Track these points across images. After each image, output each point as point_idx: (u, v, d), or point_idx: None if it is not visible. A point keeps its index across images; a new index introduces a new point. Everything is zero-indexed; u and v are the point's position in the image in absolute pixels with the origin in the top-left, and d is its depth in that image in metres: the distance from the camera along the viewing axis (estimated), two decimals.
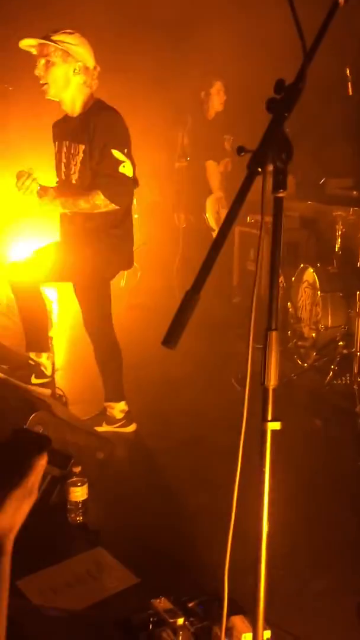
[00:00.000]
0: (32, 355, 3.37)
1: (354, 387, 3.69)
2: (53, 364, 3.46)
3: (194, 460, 3.15)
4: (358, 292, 3.83)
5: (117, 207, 3.05)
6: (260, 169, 1.28)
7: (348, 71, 4.25)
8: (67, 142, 3.14)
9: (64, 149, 3.16)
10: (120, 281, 6.07)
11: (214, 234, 5.24)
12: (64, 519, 2.54)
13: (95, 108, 3.10)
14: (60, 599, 2.13)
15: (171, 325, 1.24)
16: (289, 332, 4.67)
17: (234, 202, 1.30)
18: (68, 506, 2.53)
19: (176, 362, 4.02)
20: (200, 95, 5.02)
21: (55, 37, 2.98)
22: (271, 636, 1.80)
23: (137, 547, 2.45)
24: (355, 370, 3.79)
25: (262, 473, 1.45)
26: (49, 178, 3.27)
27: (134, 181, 3.08)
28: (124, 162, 3.01)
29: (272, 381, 1.43)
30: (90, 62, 3.06)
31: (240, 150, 1.34)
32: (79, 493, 2.52)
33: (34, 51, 3.04)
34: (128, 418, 3.39)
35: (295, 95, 1.30)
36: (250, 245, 5.83)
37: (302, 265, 4.61)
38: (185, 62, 5.33)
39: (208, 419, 3.56)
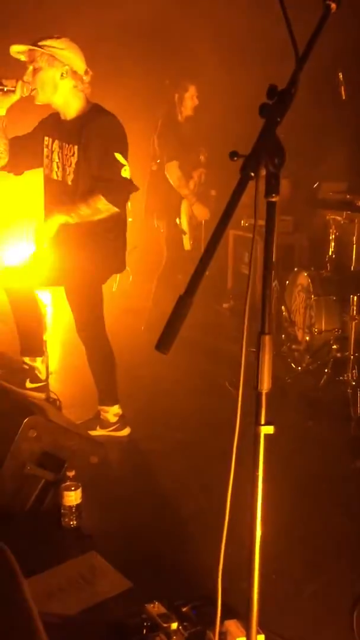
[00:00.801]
0: (27, 359, 3.37)
1: (348, 390, 3.70)
2: (47, 368, 3.45)
3: (188, 464, 3.14)
4: (351, 296, 3.84)
5: (119, 211, 3.05)
6: (253, 174, 1.28)
7: (341, 75, 4.27)
8: (60, 142, 3.14)
9: (57, 148, 3.15)
10: (113, 285, 6.07)
11: (185, 239, 5.18)
12: (58, 523, 2.53)
13: (93, 112, 3.10)
14: (53, 603, 2.13)
15: (164, 330, 1.24)
16: (283, 336, 4.68)
17: (227, 206, 1.31)
18: (62, 510, 2.53)
19: (170, 365, 4.02)
20: (173, 98, 4.95)
21: (42, 42, 2.98)
22: None
23: (131, 552, 2.45)
24: (349, 374, 3.80)
25: (255, 477, 1.45)
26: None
27: (133, 185, 3.09)
28: (124, 165, 3.01)
29: (265, 385, 1.43)
30: (79, 66, 3.05)
31: (233, 155, 1.35)
32: (72, 497, 2.51)
33: (23, 57, 3.04)
34: (122, 422, 3.39)
35: (287, 100, 1.30)
36: (244, 249, 5.84)
37: (296, 269, 4.63)
38: (164, 66, 5.34)
39: (202, 422, 3.57)
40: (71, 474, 2.54)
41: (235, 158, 1.34)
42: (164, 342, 1.24)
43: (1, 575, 1.52)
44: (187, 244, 5.02)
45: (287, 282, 4.67)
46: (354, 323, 3.82)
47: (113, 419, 3.37)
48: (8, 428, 2.60)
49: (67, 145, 3.10)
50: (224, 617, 1.83)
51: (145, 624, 1.89)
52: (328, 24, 1.42)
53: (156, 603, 1.97)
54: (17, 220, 6.24)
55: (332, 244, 4.53)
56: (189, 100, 4.94)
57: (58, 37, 3.01)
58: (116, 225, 3.19)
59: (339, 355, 3.96)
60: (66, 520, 2.52)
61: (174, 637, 1.87)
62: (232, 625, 1.84)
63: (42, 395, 3.36)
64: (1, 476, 2.52)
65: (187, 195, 4.98)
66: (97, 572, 2.30)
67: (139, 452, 3.34)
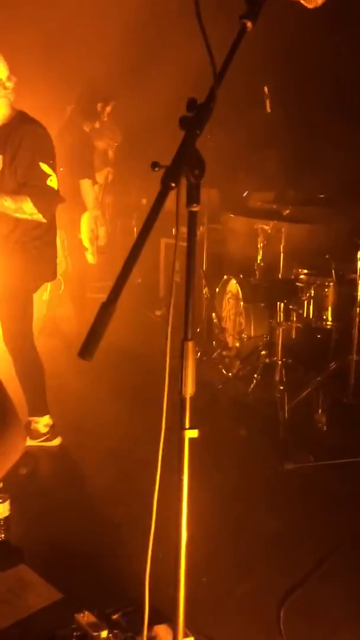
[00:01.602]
0: None
1: (276, 394, 3.80)
2: None
3: (119, 472, 3.14)
4: (279, 303, 3.95)
5: (42, 220, 3.02)
6: (173, 184, 1.31)
7: (266, 89, 4.41)
8: None
9: None
10: (43, 294, 5.98)
11: (88, 255, 5.05)
12: None
13: (18, 120, 3.06)
14: None
15: (87, 337, 1.25)
16: (214, 342, 4.76)
17: (149, 215, 1.34)
18: None
19: (101, 373, 4.01)
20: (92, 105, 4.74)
21: None
22: None
23: (61, 562, 2.42)
24: (277, 379, 3.90)
25: (181, 481, 1.48)
26: None
27: (59, 195, 3.07)
28: (50, 175, 2.99)
29: (188, 390, 1.46)
30: (1, 72, 3.00)
31: (154, 165, 1.38)
32: (0, 510, 2.46)
33: None
34: (53, 432, 3.35)
35: (206, 114, 1.34)
36: (176, 253, 5.88)
37: (225, 276, 4.71)
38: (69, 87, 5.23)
39: (132, 429, 3.57)
40: None
41: (157, 168, 1.37)
42: (87, 349, 1.24)
43: None
44: (90, 258, 4.81)
45: (217, 289, 4.75)
46: (281, 329, 3.93)
47: (44, 430, 3.33)
48: None
49: None
50: (154, 622, 1.85)
51: (74, 633, 1.88)
52: (252, 39, 1.47)
53: (86, 612, 1.96)
54: None
55: (261, 252, 4.64)
56: (102, 114, 4.82)
57: None
58: (46, 233, 3.16)
59: (267, 360, 4.06)
60: None
61: None
62: (162, 629, 1.86)
63: None
64: None
65: (97, 216, 4.83)
66: (27, 585, 2.27)
67: (70, 461, 3.31)
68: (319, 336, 4.16)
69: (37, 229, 3.09)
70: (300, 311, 4.09)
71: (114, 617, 1.99)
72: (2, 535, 2.47)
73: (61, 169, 3.24)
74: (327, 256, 4.10)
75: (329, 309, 4.08)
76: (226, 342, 4.65)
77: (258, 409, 3.92)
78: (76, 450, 3.38)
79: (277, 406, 3.71)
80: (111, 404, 3.97)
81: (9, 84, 2.99)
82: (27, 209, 2.96)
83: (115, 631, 1.92)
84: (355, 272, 3.83)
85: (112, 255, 5.66)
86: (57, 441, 3.37)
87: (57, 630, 1.93)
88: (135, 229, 6.61)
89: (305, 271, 4.17)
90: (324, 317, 4.09)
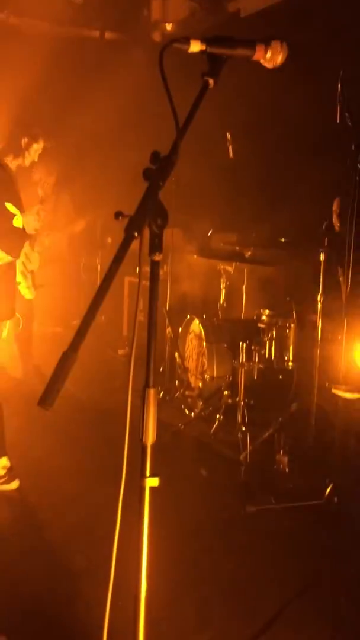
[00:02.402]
0: None
1: (238, 435, 3.80)
2: None
3: (78, 518, 3.07)
4: (241, 343, 3.99)
5: (11, 259, 3.04)
6: (136, 234, 1.33)
7: (229, 135, 4.52)
8: None
9: None
10: (3, 331, 5.90)
11: (22, 289, 4.97)
12: None
13: None
14: None
15: (47, 386, 1.24)
16: (177, 382, 4.75)
17: (112, 263, 1.35)
18: None
19: (61, 416, 3.95)
20: (20, 143, 4.70)
21: None
22: None
23: (16, 613, 2.34)
24: (239, 420, 3.90)
25: (141, 530, 1.46)
26: None
27: (25, 233, 3.10)
28: (15, 214, 3.01)
29: (149, 438, 1.45)
30: None
31: (117, 215, 1.39)
32: None
33: None
34: (10, 474, 3.27)
35: (169, 166, 1.38)
36: (139, 296, 5.91)
37: (188, 316, 4.74)
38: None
39: (92, 474, 3.50)
40: None
41: (120, 217, 1.39)
42: (47, 399, 1.23)
43: None
44: (26, 292, 4.54)
45: (180, 329, 4.77)
46: (242, 370, 3.95)
47: (1, 472, 3.25)
48: None
49: None
50: None
51: None
52: (215, 91, 1.52)
53: None
54: None
55: (223, 292, 4.70)
56: (34, 151, 4.80)
57: None
58: (4, 273, 3.15)
59: (229, 401, 4.07)
60: None
61: None
62: None
63: None
64: None
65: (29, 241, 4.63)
66: None
67: (28, 505, 3.23)
68: (280, 377, 4.20)
69: None
70: (263, 352, 4.13)
71: None
72: None
73: None
74: (288, 298, 4.17)
75: (290, 349, 4.14)
76: (189, 382, 4.66)
77: (220, 449, 3.91)
78: (35, 494, 3.30)
79: (239, 447, 3.71)
80: (70, 448, 3.90)
81: None
82: None
83: None
84: (316, 314, 3.90)
85: (77, 292, 5.64)
86: (14, 484, 3.29)
87: None
88: (99, 267, 6.62)
89: (267, 312, 4.23)
90: (286, 357, 4.14)
